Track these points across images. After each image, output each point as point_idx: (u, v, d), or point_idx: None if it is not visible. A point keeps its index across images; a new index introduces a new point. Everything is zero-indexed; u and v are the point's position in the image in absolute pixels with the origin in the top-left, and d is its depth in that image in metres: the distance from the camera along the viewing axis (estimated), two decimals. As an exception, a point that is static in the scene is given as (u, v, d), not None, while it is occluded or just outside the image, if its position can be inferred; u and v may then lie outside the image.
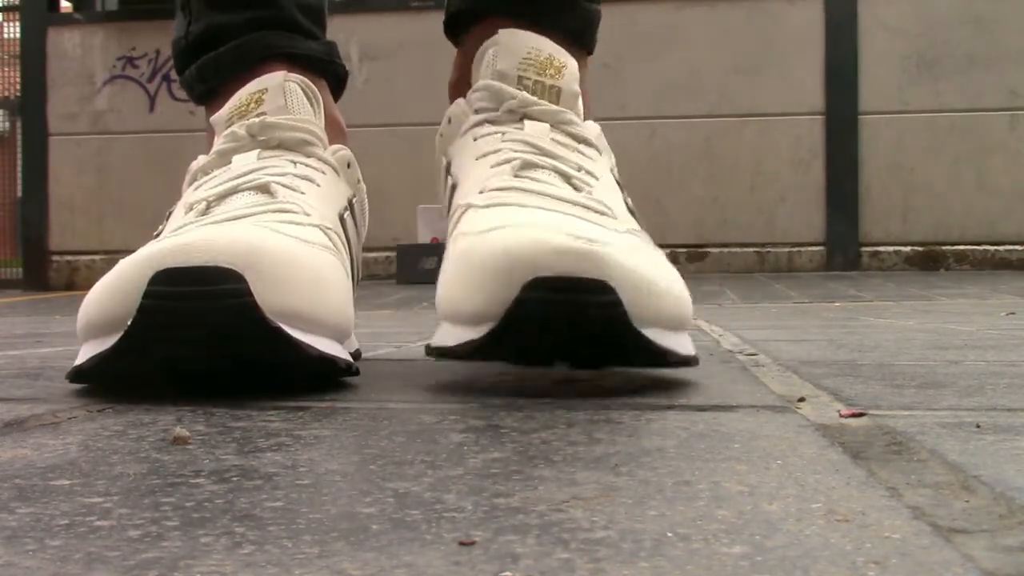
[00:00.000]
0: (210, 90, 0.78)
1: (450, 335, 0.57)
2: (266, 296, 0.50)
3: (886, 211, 3.52)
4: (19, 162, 4.18)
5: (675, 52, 3.58)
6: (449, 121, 0.71)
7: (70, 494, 0.33)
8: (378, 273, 3.50)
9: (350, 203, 0.71)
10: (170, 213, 0.68)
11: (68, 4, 4.11)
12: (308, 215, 0.62)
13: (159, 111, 3.79)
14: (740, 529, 0.28)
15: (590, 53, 0.80)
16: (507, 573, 0.24)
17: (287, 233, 0.57)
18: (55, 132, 3.91)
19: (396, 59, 3.48)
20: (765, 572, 0.24)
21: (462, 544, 0.27)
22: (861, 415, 0.48)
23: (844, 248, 3.51)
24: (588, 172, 0.65)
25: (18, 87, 4.18)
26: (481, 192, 0.62)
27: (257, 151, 0.67)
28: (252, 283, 0.50)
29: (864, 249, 3.51)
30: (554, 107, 0.68)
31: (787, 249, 3.54)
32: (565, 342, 0.54)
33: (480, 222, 0.59)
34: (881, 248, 3.51)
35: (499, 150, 0.65)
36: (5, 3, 4.64)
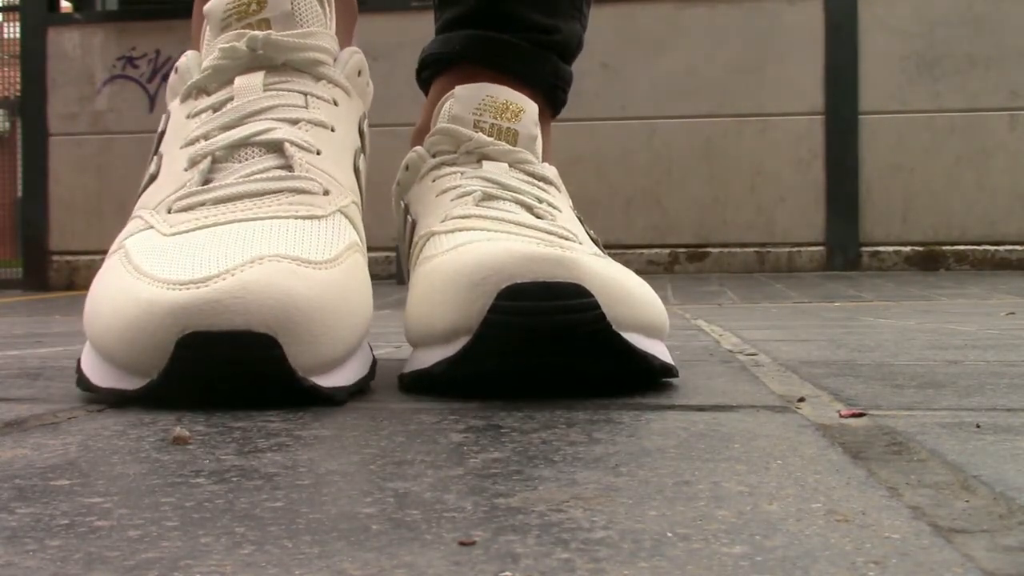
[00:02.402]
0: None
1: (422, 359, 0.56)
2: (300, 357, 0.49)
3: (886, 211, 3.52)
4: (19, 162, 4.18)
5: (675, 52, 3.58)
6: (406, 168, 0.71)
7: (70, 494, 0.32)
8: (378, 273, 3.50)
9: (360, 129, 0.66)
10: (162, 133, 0.63)
11: (68, 4, 4.11)
12: (327, 193, 0.58)
13: (159, 111, 3.79)
14: (740, 529, 0.28)
15: (555, 114, 0.80)
16: (507, 573, 0.24)
17: (316, 258, 0.52)
18: (55, 132, 3.91)
19: (396, 59, 3.48)
20: (765, 572, 0.24)
21: (462, 544, 0.26)
22: (861, 415, 0.48)
23: (844, 248, 3.51)
24: (549, 204, 0.65)
25: (18, 87, 4.19)
26: (443, 221, 0.62)
27: (262, 75, 0.61)
28: (286, 346, 0.48)
29: (864, 249, 3.52)
30: (511, 147, 0.68)
31: (787, 249, 3.54)
32: (544, 351, 0.52)
33: (445, 243, 0.59)
34: (881, 248, 3.51)
35: (459, 185, 0.65)
36: (5, 3, 4.64)
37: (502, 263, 0.51)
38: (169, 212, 0.57)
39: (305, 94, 0.62)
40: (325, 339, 0.50)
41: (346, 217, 0.59)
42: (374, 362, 0.59)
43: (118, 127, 3.86)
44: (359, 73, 0.66)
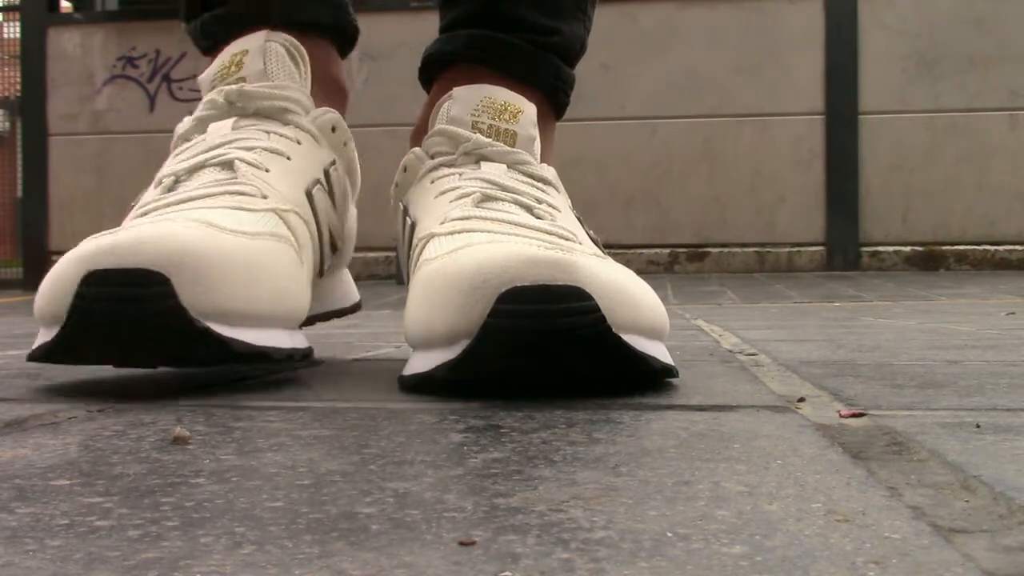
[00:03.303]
0: (212, 45, 0.77)
1: (423, 361, 0.56)
2: (191, 297, 0.51)
3: (886, 211, 3.52)
4: (19, 162, 4.18)
5: (675, 52, 3.58)
6: (404, 170, 0.71)
7: (70, 494, 0.32)
8: (378, 273, 3.50)
9: (327, 172, 0.69)
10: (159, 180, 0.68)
11: (68, 4, 4.11)
12: (265, 197, 0.62)
13: (159, 111, 3.79)
14: (740, 529, 0.28)
15: (558, 116, 0.80)
16: (507, 573, 0.24)
17: (227, 226, 0.57)
18: (55, 132, 3.91)
19: (396, 59, 3.48)
20: (765, 572, 0.24)
21: (462, 544, 0.26)
22: (861, 415, 0.48)
23: (844, 248, 3.51)
24: (549, 205, 0.65)
25: (18, 87, 4.18)
26: (442, 223, 0.62)
27: (233, 120, 0.67)
28: (177, 285, 0.51)
29: (864, 249, 3.52)
30: (509, 149, 0.68)
31: (787, 249, 3.54)
32: (545, 353, 0.52)
33: (445, 246, 0.59)
34: (881, 248, 3.51)
35: (458, 187, 0.65)
36: (5, 3, 4.64)
37: (502, 266, 0.51)
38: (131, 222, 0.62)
39: (268, 132, 0.67)
40: (219, 284, 0.53)
41: (280, 218, 0.62)
42: (309, 351, 0.62)
43: (118, 127, 3.86)
44: (333, 129, 0.71)
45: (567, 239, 0.61)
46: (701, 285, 2.74)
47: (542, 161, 0.70)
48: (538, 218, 0.63)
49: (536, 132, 0.70)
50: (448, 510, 0.30)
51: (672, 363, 0.58)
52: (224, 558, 0.25)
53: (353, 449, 0.40)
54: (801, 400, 0.53)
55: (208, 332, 0.52)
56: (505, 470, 0.36)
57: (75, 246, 0.56)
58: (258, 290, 0.56)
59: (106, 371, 0.69)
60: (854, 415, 0.48)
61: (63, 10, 4.09)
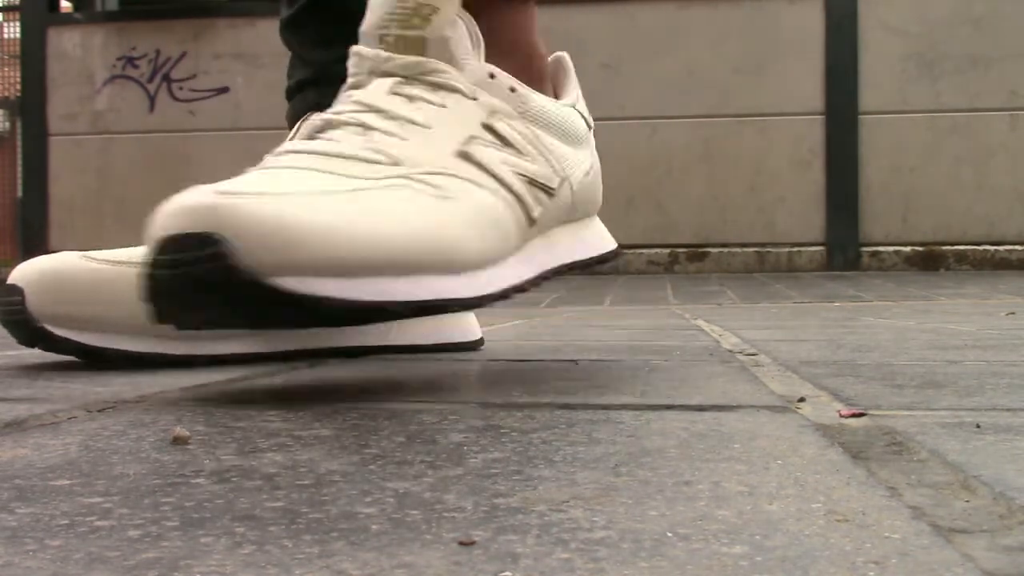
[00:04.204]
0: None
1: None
2: (36, 306, 0.72)
3: (886, 211, 3.52)
4: (19, 162, 4.18)
5: (675, 52, 3.58)
6: None
7: (70, 494, 0.32)
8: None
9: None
10: None
11: (68, 4, 4.11)
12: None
13: (159, 111, 3.79)
14: (740, 529, 0.28)
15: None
16: (507, 573, 0.24)
17: (97, 256, 0.74)
18: (55, 132, 3.91)
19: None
20: (765, 572, 0.24)
21: (462, 544, 0.26)
22: (861, 415, 0.48)
23: (844, 248, 3.51)
24: (411, 121, 0.60)
25: (18, 87, 4.19)
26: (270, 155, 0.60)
27: None
28: (27, 296, 0.72)
29: (864, 249, 3.52)
30: (411, 59, 0.62)
31: (787, 249, 3.54)
32: (190, 301, 0.52)
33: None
34: (881, 248, 3.51)
35: (323, 115, 0.62)
36: (5, 3, 4.64)
37: (158, 215, 0.51)
38: None
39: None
40: (60, 298, 0.72)
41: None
42: (160, 361, 0.73)
43: (118, 127, 3.86)
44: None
45: (374, 162, 0.57)
46: (701, 285, 2.74)
47: (517, 47, 0.66)
48: (372, 141, 0.59)
49: (449, 33, 0.63)
50: (448, 510, 0.30)
51: (365, 297, 0.51)
52: (224, 558, 0.25)
53: (353, 449, 0.40)
54: (801, 400, 0.53)
55: (44, 329, 0.72)
56: (505, 470, 0.36)
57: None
58: (98, 305, 0.73)
59: (106, 372, 0.69)
60: (854, 415, 0.48)
61: (63, 10, 4.09)
